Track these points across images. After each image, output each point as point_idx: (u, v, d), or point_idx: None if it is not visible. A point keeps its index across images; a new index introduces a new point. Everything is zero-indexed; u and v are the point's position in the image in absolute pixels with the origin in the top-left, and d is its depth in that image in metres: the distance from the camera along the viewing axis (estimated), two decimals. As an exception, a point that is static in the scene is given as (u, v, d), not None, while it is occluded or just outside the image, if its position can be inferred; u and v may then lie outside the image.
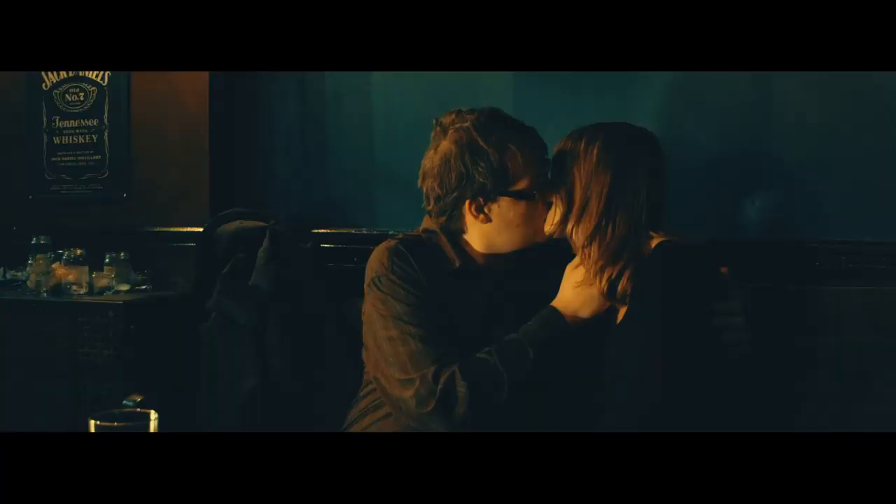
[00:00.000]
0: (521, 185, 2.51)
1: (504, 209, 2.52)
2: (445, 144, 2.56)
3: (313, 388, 3.26)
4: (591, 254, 2.37)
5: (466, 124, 2.55)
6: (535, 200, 2.51)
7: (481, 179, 2.50)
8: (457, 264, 2.59)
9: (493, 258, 2.61)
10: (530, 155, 2.53)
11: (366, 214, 3.93)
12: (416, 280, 2.53)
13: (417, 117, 3.83)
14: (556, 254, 2.54)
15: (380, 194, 3.93)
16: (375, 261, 2.60)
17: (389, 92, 3.91)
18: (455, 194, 2.55)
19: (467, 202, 2.55)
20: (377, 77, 3.92)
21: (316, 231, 3.87)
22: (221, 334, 3.34)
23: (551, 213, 2.47)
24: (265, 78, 4.17)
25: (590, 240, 2.37)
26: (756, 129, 3.27)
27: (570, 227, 2.40)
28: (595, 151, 2.37)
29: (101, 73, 4.26)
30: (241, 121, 4.23)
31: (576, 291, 2.45)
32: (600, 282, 2.36)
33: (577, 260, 2.47)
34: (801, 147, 3.18)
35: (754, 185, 3.27)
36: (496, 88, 3.63)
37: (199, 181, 4.11)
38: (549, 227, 2.47)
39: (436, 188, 2.59)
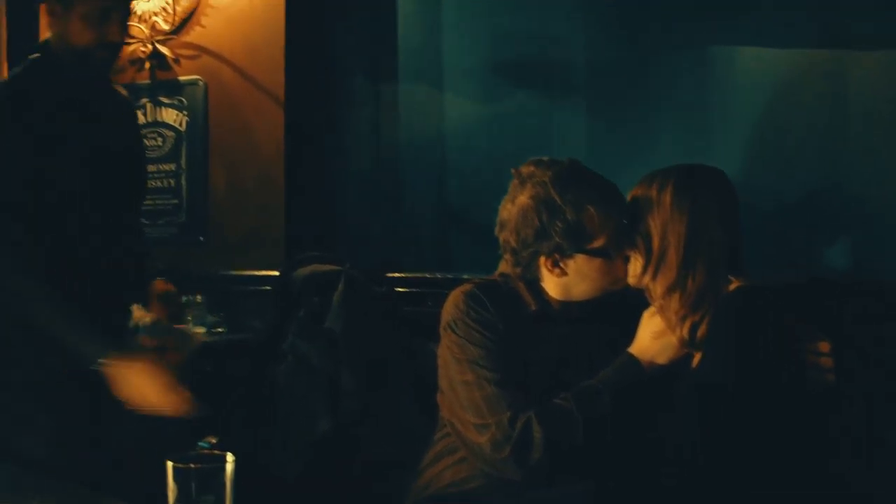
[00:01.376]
0: (598, 243, 2.47)
1: (580, 264, 2.49)
2: (523, 199, 2.54)
3: (385, 431, 3.25)
4: (672, 305, 2.34)
5: (545, 179, 2.52)
6: (612, 257, 2.49)
7: (557, 239, 2.46)
8: (533, 308, 2.57)
9: (569, 304, 2.59)
10: (608, 214, 2.49)
11: (440, 259, 3.94)
12: (492, 324, 2.49)
13: (492, 161, 3.86)
14: (632, 300, 2.52)
15: (454, 238, 3.93)
16: (451, 305, 2.57)
17: (464, 135, 3.93)
18: (531, 249, 2.53)
19: (542, 262, 2.53)
20: (451, 120, 3.94)
21: (390, 275, 3.88)
22: (296, 377, 3.36)
23: (632, 265, 2.43)
24: (341, 121, 4.21)
25: (670, 292, 2.33)
26: (834, 169, 3.24)
27: (647, 279, 2.37)
28: (668, 198, 2.34)
29: (180, 118, 4.33)
30: (316, 165, 4.28)
31: (654, 339, 2.42)
32: (681, 331, 2.33)
33: (653, 308, 2.44)
34: (881, 186, 3.14)
35: (833, 225, 3.24)
36: (570, 128, 3.63)
37: (274, 225, 4.16)
38: (631, 280, 2.44)
39: (511, 241, 2.56)
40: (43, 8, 2.79)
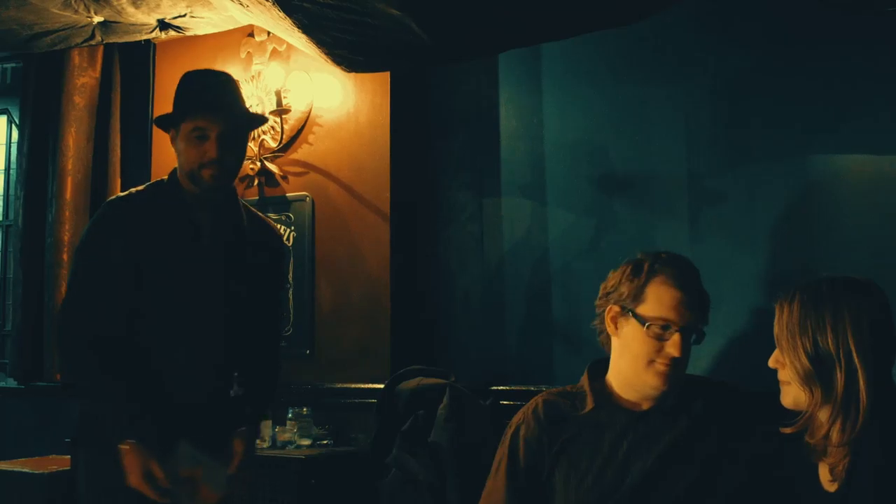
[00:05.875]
0: (648, 310, 2.49)
1: (629, 328, 2.53)
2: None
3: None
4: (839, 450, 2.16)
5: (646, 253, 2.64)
6: (650, 335, 2.48)
7: (623, 289, 2.54)
8: (589, 406, 2.57)
9: (638, 402, 2.57)
10: (674, 293, 2.50)
11: (544, 371, 3.93)
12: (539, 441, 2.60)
13: (595, 274, 3.85)
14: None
15: (557, 351, 3.93)
16: (521, 412, 2.72)
17: (567, 248, 3.95)
18: (608, 299, 2.60)
19: (608, 309, 2.57)
20: (554, 233, 3.97)
21: (494, 388, 3.88)
22: (401, 491, 3.36)
23: (790, 389, 2.27)
24: (445, 236, 4.27)
25: (850, 436, 2.13)
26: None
27: (827, 423, 2.17)
28: (832, 321, 2.16)
29: (287, 233, 4.43)
30: (423, 278, 4.34)
31: None
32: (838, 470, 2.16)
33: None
34: None
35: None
36: (674, 240, 3.64)
37: (380, 339, 4.20)
38: (807, 398, 2.23)
39: (601, 288, 2.66)
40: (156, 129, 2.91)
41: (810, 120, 3.54)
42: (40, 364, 4.97)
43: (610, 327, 2.57)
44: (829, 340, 2.15)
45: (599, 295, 2.65)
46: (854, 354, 2.12)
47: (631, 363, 2.53)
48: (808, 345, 2.18)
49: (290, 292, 4.43)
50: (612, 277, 2.62)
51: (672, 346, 2.45)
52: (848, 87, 3.47)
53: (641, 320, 2.49)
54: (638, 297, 2.52)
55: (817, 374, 2.16)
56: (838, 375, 2.13)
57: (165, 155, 4.81)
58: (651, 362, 2.49)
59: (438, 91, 4.46)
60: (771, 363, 2.29)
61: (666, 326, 2.46)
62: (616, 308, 2.56)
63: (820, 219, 3.50)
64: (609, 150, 3.99)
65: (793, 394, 2.23)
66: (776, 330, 2.26)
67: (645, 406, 2.56)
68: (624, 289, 2.55)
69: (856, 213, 3.43)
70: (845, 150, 3.51)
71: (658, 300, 2.49)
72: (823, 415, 2.17)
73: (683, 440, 2.48)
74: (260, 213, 3.14)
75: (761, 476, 2.43)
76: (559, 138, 4.12)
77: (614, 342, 2.59)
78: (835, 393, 2.14)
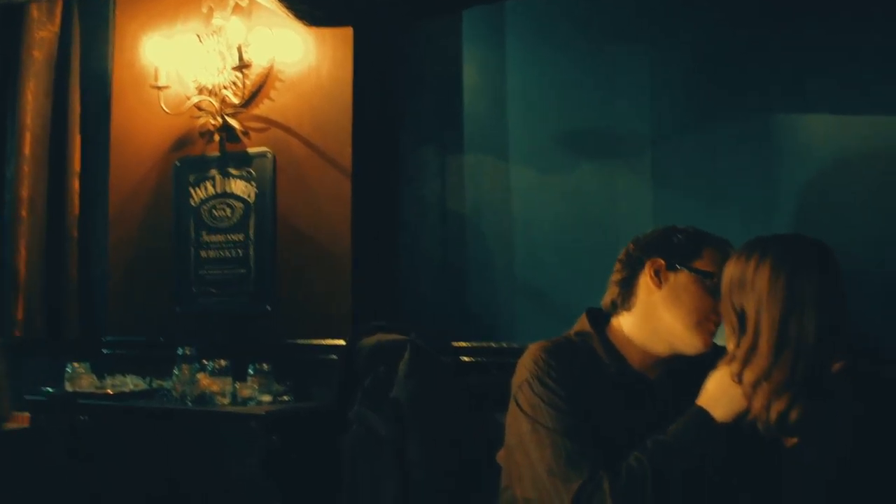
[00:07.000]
0: (706, 266, 2.51)
1: (680, 281, 2.52)
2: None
3: (452, 501, 3.24)
4: (759, 393, 2.26)
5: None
6: (710, 292, 2.48)
7: (675, 243, 2.55)
8: (612, 368, 2.55)
9: (646, 364, 2.57)
10: (722, 255, 2.51)
11: (506, 328, 3.93)
12: (570, 384, 2.47)
13: (558, 231, 3.87)
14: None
15: (520, 307, 3.94)
16: (529, 360, 2.54)
17: (529, 206, 3.95)
18: (644, 254, 2.58)
19: (649, 263, 2.55)
20: (517, 190, 3.97)
21: (456, 344, 3.88)
22: (362, 446, 3.36)
23: (727, 335, 2.40)
24: (407, 193, 4.26)
25: (758, 382, 2.26)
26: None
27: (737, 365, 2.31)
28: (763, 281, 2.28)
29: (248, 190, 4.40)
30: (385, 235, 4.32)
31: (721, 393, 2.37)
32: (767, 416, 2.24)
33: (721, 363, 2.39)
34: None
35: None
36: (636, 197, 3.64)
37: (341, 295, 4.18)
38: (730, 346, 2.38)
39: (630, 247, 2.64)
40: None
41: (774, 80, 3.56)
42: (-2, 320, 4.95)
43: (652, 280, 2.54)
44: (751, 296, 2.29)
45: (629, 249, 2.63)
46: (765, 306, 2.26)
47: (681, 318, 2.51)
48: (736, 298, 2.32)
49: (252, 249, 4.40)
50: (651, 235, 2.63)
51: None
52: (811, 49, 3.49)
53: (704, 273, 2.50)
54: (695, 253, 2.54)
55: (739, 320, 2.31)
56: (751, 321, 2.28)
57: (125, 112, 4.76)
58: (702, 321, 2.49)
59: (402, 48, 4.43)
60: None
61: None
62: (661, 261, 2.54)
63: (782, 179, 3.51)
64: (573, 107, 4.00)
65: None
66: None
67: (651, 374, 2.57)
68: (675, 243, 2.56)
69: (817, 173, 3.45)
70: (808, 110, 3.53)
71: (713, 260, 2.51)
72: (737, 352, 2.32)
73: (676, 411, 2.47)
74: None
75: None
76: (523, 95, 4.11)
77: (653, 297, 2.55)
78: (746, 335, 2.29)
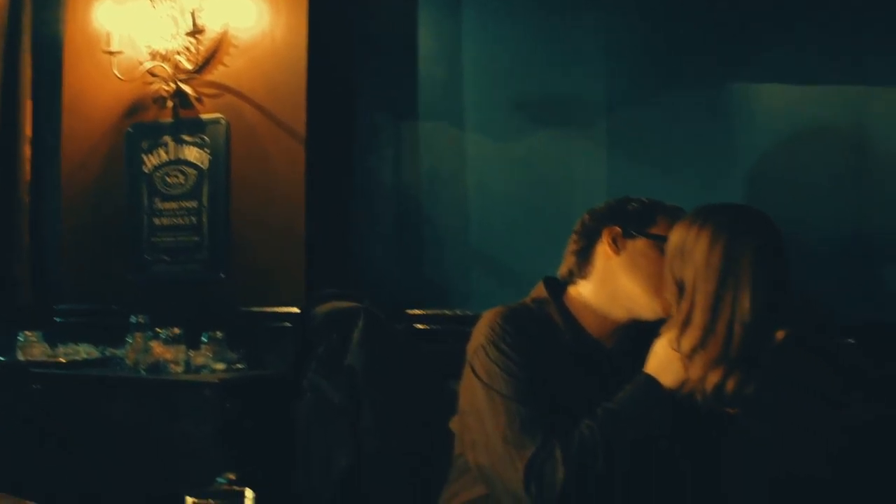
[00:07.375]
0: (661, 231, 2.52)
1: (638, 247, 2.54)
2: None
3: (406, 469, 3.24)
4: (694, 363, 2.27)
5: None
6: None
7: (628, 211, 2.59)
8: (567, 336, 2.55)
9: (603, 331, 2.57)
10: (675, 221, 2.51)
11: (460, 296, 3.93)
12: (526, 351, 2.46)
13: (512, 198, 3.86)
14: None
15: (474, 275, 3.94)
16: (485, 326, 2.52)
17: (484, 172, 3.94)
18: (601, 223, 2.60)
19: (606, 231, 2.57)
20: (472, 158, 3.96)
21: (410, 312, 3.88)
22: (316, 413, 3.35)
23: (670, 302, 2.41)
24: (362, 159, 4.23)
25: (693, 352, 2.27)
26: (854, 210, 3.23)
27: (676, 335, 2.32)
28: (701, 253, 2.29)
29: (202, 156, 4.36)
30: (337, 203, 4.29)
31: (667, 359, 2.39)
32: (703, 386, 2.26)
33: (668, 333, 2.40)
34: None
35: (853, 269, 3.22)
36: (591, 164, 3.64)
37: (294, 262, 4.17)
38: (673, 312, 2.39)
39: (586, 217, 2.66)
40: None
41: (732, 48, 3.56)
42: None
43: (610, 247, 2.56)
44: (689, 266, 2.31)
45: (584, 220, 2.65)
46: (701, 277, 2.29)
47: (640, 282, 2.52)
48: (676, 267, 2.35)
49: (205, 216, 4.37)
50: (606, 205, 2.65)
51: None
52: (770, 17, 3.49)
53: (659, 238, 2.50)
54: (650, 219, 2.56)
55: (679, 289, 2.34)
56: (688, 291, 2.31)
57: (77, 77, 4.70)
58: (660, 286, 2.47)
59: (357, 13, 4.39)
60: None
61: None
62: (618, 229, 2.56)
63: (738, 148, 3.52)
64: (528, 74, 3.98)
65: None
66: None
67: (608, 342, 2.58)
68: (630, 211, 2.59)
69: (774, 143, 3.46)
70: (766, 79, 3.53)
71: (667, 226, 2.50)
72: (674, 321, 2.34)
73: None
74: None
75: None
76: (478, 62, 4.09)
77: (611, 263, 2.56)
78: (683, 305, 2.32)
